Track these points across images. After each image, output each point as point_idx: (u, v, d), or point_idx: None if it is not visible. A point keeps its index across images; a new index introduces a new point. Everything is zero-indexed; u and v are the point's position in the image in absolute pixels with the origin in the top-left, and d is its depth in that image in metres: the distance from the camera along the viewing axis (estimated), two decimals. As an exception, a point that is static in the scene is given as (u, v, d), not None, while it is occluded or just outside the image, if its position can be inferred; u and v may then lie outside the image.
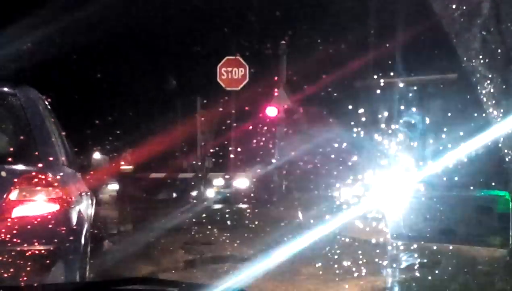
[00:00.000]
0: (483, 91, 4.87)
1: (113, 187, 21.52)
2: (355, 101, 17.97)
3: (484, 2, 4.74)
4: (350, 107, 17.57)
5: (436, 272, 7.98)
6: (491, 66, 4.85)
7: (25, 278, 5.21)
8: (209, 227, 14.02)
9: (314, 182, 20.13)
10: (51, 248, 5.42)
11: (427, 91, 16.70)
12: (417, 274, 8.18)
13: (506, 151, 4.94)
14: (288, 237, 12.10)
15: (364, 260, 9.73)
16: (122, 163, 21.06)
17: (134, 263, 9.87)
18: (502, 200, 7.59)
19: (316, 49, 20.01)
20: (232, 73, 18.65)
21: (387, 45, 17.71)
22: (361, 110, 17.13)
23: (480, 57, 4.81)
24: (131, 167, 21.22)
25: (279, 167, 19.60)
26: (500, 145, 5.01)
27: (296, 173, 20.43)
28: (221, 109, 21.07)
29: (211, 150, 23.23)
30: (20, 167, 5.59)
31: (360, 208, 14.97)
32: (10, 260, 5.22)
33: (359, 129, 16.46)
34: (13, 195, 5.38)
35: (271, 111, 18.74)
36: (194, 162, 23.41)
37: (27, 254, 5.30)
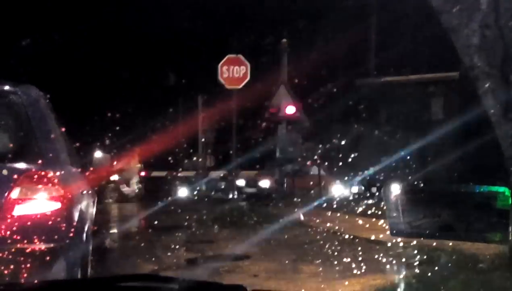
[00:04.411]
0: (482, 87, 4.87)
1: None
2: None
3: (482, -3, 4.74)
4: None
5: (436, 268, 7.99)
6: (490, 62, 4.85)
7: (26, 276, 5.21)
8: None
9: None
10: (53, 246, 5.41)
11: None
12: (417, 270, 8.18)
13: (505, 147, 4.94)
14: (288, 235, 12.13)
15: (365, 258, 9.73)
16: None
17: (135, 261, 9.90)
18: (502, 196, 7.59)
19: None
20: (234, 71, 18.53)
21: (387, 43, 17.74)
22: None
23: (479, 53, 4.81)
24: (139, 165, 21.21)
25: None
26: (499, 141, 5.01)
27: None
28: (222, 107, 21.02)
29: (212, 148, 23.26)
30: (21, 165, 5.57)
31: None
32: (11, 258, 5.22)
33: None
34: (15, 193, 5.37)
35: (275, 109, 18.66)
36: (195, 160, 23.42)
37: (29, 252, 5.30)
